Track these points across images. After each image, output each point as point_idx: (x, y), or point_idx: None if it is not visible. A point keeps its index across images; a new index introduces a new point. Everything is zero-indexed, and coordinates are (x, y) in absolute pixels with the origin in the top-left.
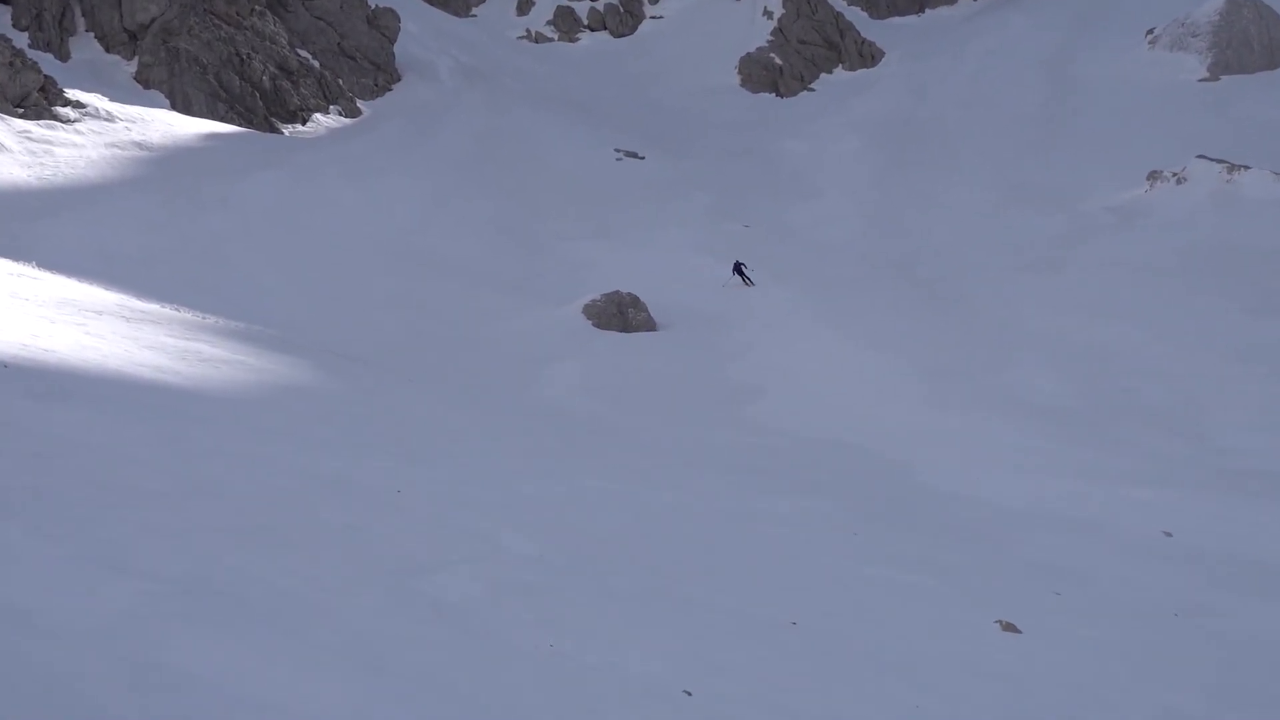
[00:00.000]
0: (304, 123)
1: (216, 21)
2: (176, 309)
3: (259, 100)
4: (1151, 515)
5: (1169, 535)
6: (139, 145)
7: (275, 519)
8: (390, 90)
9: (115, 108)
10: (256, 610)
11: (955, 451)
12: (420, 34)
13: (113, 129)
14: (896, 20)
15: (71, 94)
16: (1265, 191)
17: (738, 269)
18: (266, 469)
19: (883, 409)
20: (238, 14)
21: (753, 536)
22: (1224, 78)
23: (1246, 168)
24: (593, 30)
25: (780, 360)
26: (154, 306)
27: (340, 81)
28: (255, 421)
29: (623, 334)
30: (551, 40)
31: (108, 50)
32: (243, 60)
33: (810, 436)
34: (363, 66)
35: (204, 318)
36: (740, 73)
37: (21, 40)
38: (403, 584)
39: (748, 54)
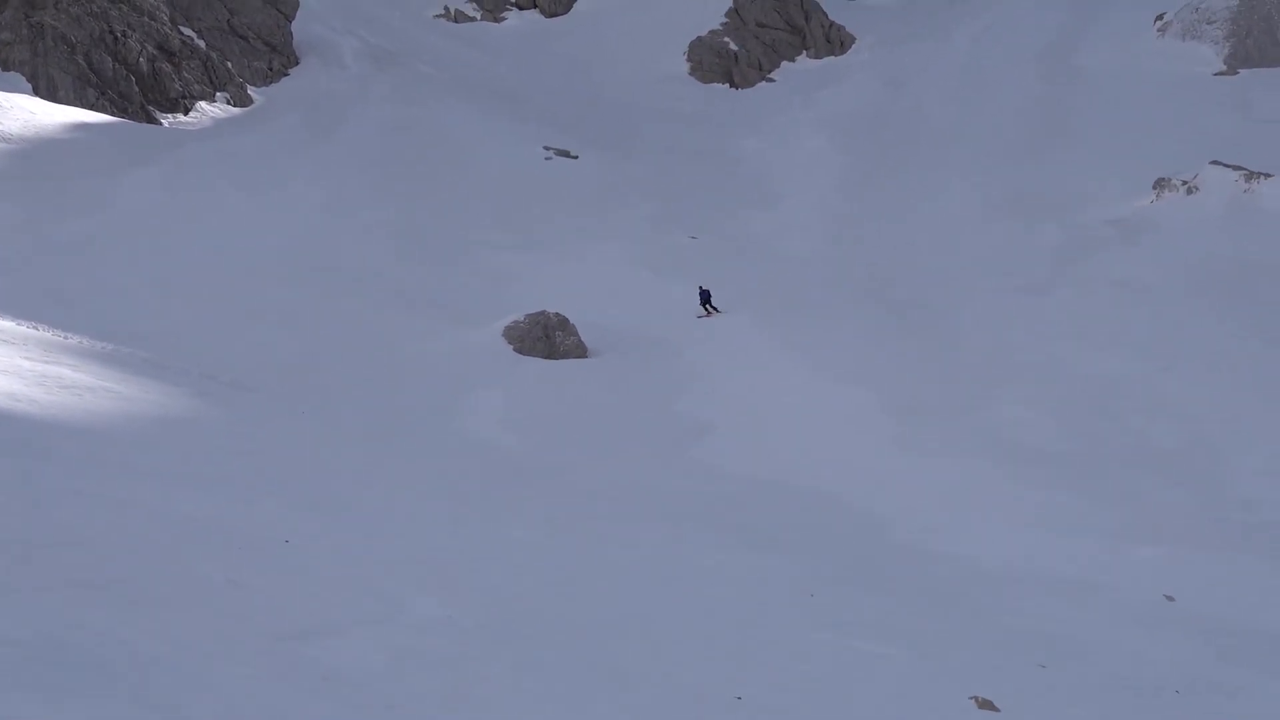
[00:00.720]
0: (186, 112)
1: None
2: (34, 327)
3: (135, 85)
4: (1153, 576)
5: (1172, 599)
6: None
7: (143, 572)
8: (287, 75)
9: None
10: (120, 680)
11: (931, 501)
12: (322, 10)
13: None
14: (870, 1)
15: None
16: None
17: (705, 298)
18: (134, 514)
19: (849, 451)
20: None
21: (697, 598)
22: (1243, 71)
23: (1268, 175)
24: (521, 9)
25: (732, 392)
26: (8, 324)
27: (229, 65)
28: (122, 459)
29: (548, 360)
30: (474, 19)
31: None
32: (117, 39)
33: (765, 481)
34: (255, 48)
35: (66, 337)
36: (690, 60)
37: None
38: (289, 650)
39: (699, 38)
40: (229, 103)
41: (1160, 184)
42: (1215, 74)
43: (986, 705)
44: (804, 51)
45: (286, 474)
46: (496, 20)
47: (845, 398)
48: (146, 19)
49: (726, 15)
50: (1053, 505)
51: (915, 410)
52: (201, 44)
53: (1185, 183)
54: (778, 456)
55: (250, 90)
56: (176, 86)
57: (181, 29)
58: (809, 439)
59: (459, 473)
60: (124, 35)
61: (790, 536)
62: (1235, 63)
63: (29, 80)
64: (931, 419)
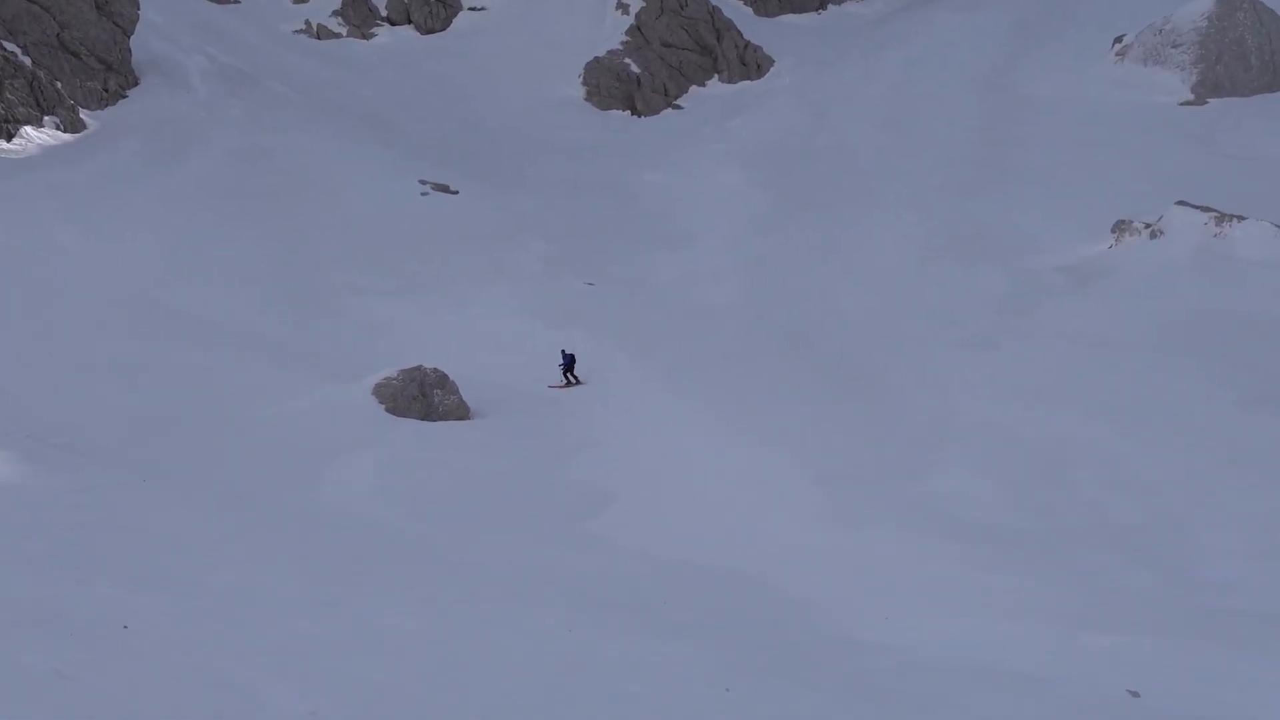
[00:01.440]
0: (9, 139)
1: None
2: None
3: None
4: (1114, 669)
5: (1135, 695)
6: None
7: None
8: (125, 97)
9: None
10: None
11: (862, 583)
12: (165, 25)
13: None
14: (790, 19)
15: None
16: (1262, 249)
17: (568, 365)
18: None
19: (769, 525)
20: None
21: (598, 694)
22: (1212, 101)
23: (1240, 218)
24: (393, 24)
25: (636, 459)
26: None
27: (59, 85)
28: None
29: (425, 422)
30: (339, 36)
31: None
32: None
33: (673, 560)
34: (89, 66)
35: None
36: (586, 83)
37: None
38: None
39: (596, 59)
40: (59, 128)
41: (1120, 227)
42: (1181, 104)
43: None
44: (715, 75)
45: (126, 550)
46: (365, 37)
47: (765, 465)
48: None
49: (627, 33)
50: (999, 588)
51: (844, 479)
52: (27, 61)
53: (1148, 225)
54: (687, 531)
55: (83, 114)
56: None
57: (4, 44)
58: (723, 512)
59: (324, 550)
60: None
61: (703, 622)
62: (1204, 91)
63: None
64: (862, 489)
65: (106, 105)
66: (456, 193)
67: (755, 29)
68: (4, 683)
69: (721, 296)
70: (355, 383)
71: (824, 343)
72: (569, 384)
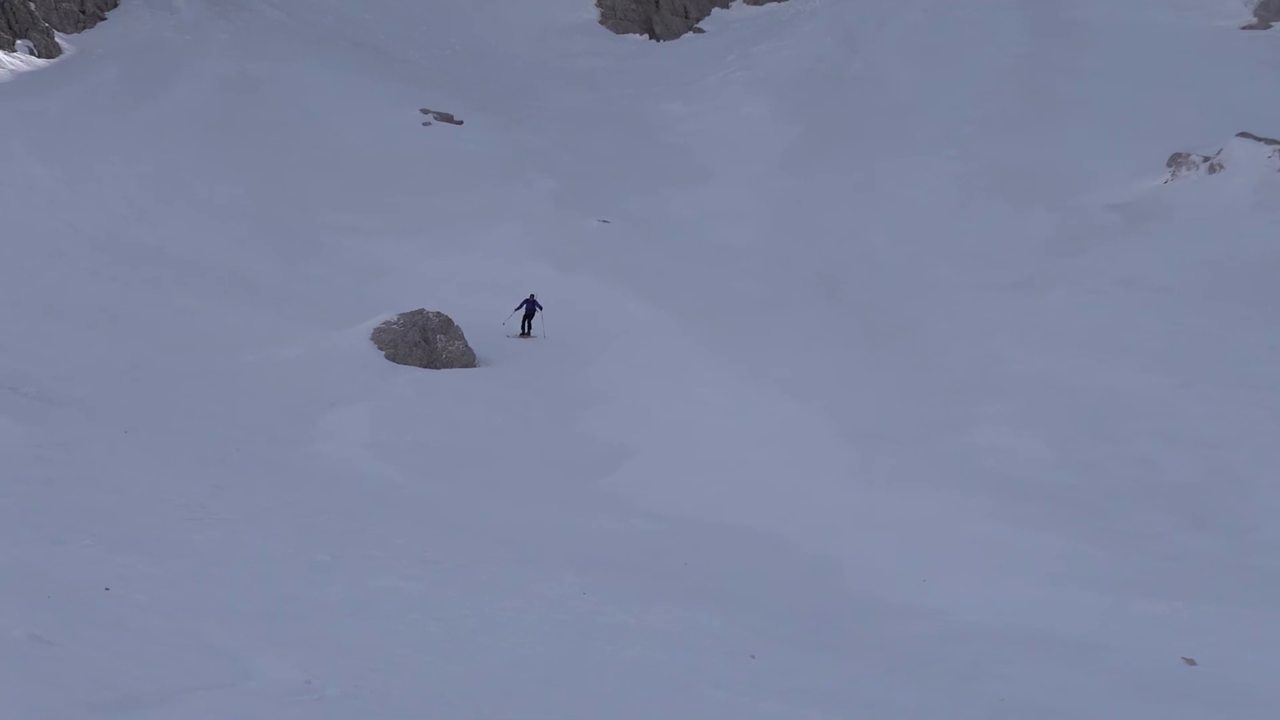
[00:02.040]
0: None
1: None
2: None
3: None
4: (1169, 636)
5: (1191, 663)
6: None
7: None
8: (103, 20)
9: None
10: None
11: (897, 544)
12: None
13: None
14: None
15: None
16: None
17: (529, 312)
18: None
19: (796, 482)
20: None
21: (613, 661)
22: (1276, 24)
23: None
24: None
25: (652, 410)
26: None
27: (31, 6)
28: None
29: (428, 370)
30: None
31: None
32: None
33: (694, 519)
34: None
35: None
36: (600, 5)
37: None
38: None
39: None
40: (32, 52)
41: (1176, 161)
42: (1243, 27)
43: None
44: None
45: (105, 508)
46: None
47: (791, 418)
48: None
49: None
50: (1045, 549)
51: (877, 434)
52: None
53: (1207, 159)
54: (708, 489)
55: (59, 38)
56: None
57: None
58: (747, 468)
59: (317, 507)
60: None
61: (725, 586)
62: (1267, 14)
63: None
64: (897, 444)
65: (83, 28)
66: (461, 123)
67: None
68: None
69: (744, 237)
70: (352, 328)
71: (855, 287)
72: (525, 334)
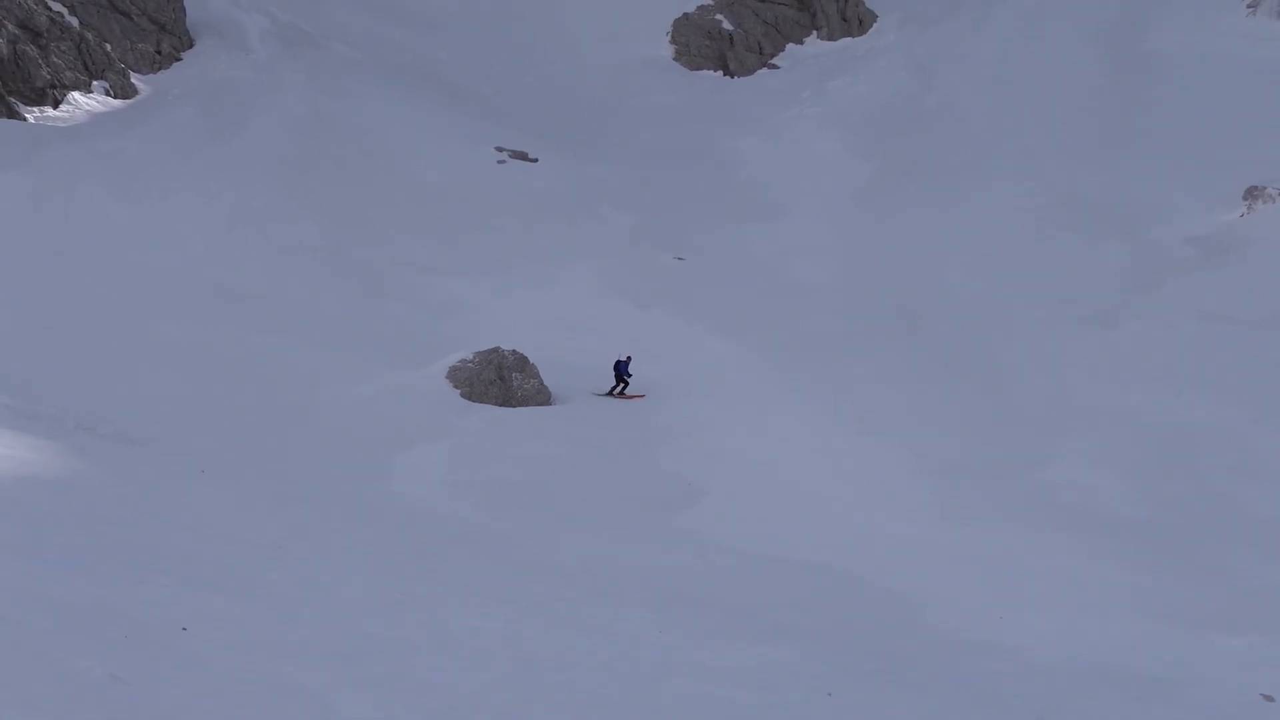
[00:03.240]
0: (56, 105)
1: None
2: None
3: None
4: (1247, 671)
5: (1270, 700)
6: None
7: (7, 668)
8: (179, 60)
9: None
10: None
11: (975, 579)
12: None
13: None
14: None
15: None
16: None
17: (620, 372)
18: None
19: (873, 518)
20: None
21: (691, 699)
22: None
23: None
24: None
25: (729, 447)
26: None
27: (108, 47)
28: None
29: (503, 408)
30: None
31: None
32: None
33: (770, 555)
34: (141, 27)
35: None
36: (674, 42)
37: None
38: None
39: (685, 16)
40: (108, 93)
41: (1253, 194)
42: None
43: None
44: (814, 32)
45: (183, 547)
46: None
47: (868, 454)
48: None
49: None
50: (1123, 585)
51: (954, 469)
52: (75, 22)
53: None
54: (785, 526)
55: (134, 78)
56: (44, 74)
57: (50, 4)
58: (823, 505)
59: (395, 545)
60: None
61: (802, 623)
62: None
63: None
64: (973, 479)
65: (159, 69)
66: (535, 160)
67: None
68: (58, 688)
69: (820, 273)
70: (427, 366)
71: (931, 323)
72: (617, 392)
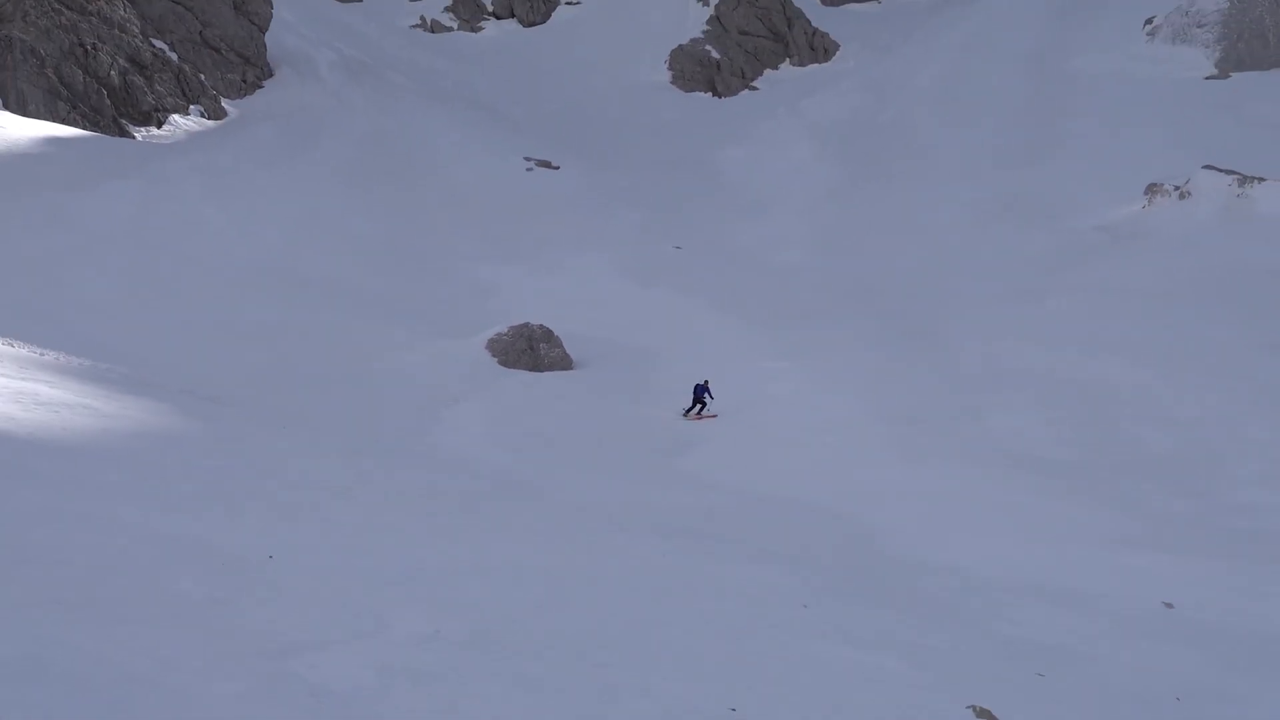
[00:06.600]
0: (159, 125)
1: (57, 6)
2: (9, 343)
3: (106, 99)
4: (1152, 584)
5: (1171, 607)
6: None
7: (123, 591)
8: (261, 88)
9: None
10: (101, 697)
11: (926, 511)
12: (296, 22)
13: None
14: (853, 7)
15: None
16: None
17: (699, 394)
18: (113, 532)
19: (842, 461)
20: None
21: (690, 611)
22: (1235, 75)
23: (1261, 180)
24: (499, 18)
25: (721, 404)
26: None
27: (202, 77)
28: (101, 477)
29: (533, 373)
30: (450, 29)
31: None
32: (87, 51)
33: (756, 493)
34: (229, 60)
35: (42, 353)
36: (671, 68)
37: None
38: (274, 667)
39: (680, 46)
40: (203, 115)
41: (1152, 189)
42: (1206, 78)
43: (985, 714)
44: (787, 59)
45: (267, 489)
46: (473, 30)
47: (836, 407)
48: (117, 31)
49: (708, 23)
50: (1049, 513)
51: (909, 419)
52: (174, 56)
53: (1178, 188)
54: (769, 468)
55: (224, 103)
56: (149, 99)
57: (153, 41)
58: (801, 449)
59: (442, 488)
60: (94, 48)
61: (783, 549)
62: (1226, 66)
63: None
64: (925, 428)
65: (245, 95)
66: (558, 168)
67: (822, 17)
68: (167, 606)
69: (794, 258)
70: (469, 338)
71: (888, 299)
72: (695, 412)
